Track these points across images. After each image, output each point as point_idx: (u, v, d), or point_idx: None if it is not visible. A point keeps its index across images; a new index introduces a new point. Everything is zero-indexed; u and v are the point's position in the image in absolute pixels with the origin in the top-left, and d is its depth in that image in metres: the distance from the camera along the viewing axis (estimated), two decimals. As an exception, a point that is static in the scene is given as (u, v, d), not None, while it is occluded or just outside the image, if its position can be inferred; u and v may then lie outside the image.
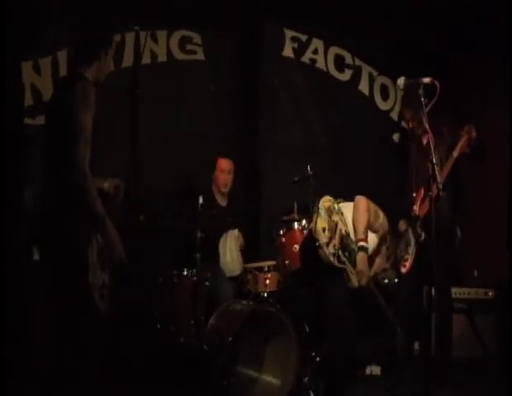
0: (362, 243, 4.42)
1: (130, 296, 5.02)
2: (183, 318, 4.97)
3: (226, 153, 6.01)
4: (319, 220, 4.35)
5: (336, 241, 4.36)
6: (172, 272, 5.07)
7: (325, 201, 4.48)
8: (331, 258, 4.29)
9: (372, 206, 4.59)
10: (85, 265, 3.44)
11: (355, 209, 4.53)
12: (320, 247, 4.29)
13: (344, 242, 4.41)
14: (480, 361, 5.35)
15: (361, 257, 4.40)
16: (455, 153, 4.97)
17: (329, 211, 4.44)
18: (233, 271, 5.62)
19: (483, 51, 6.22)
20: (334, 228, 4.39)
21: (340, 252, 4.35)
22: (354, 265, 4.39)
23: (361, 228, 4.47)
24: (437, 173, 4.04)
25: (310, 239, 4.44)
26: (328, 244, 4.31)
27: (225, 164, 5.86)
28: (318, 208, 4.41)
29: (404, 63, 6.43)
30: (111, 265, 3.61)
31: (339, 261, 4.33)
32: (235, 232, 5.74)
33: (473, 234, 5.39)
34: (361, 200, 4.56)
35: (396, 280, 4.82)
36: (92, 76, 3.69)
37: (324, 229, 4.33)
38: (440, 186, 4.08)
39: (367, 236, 4.50)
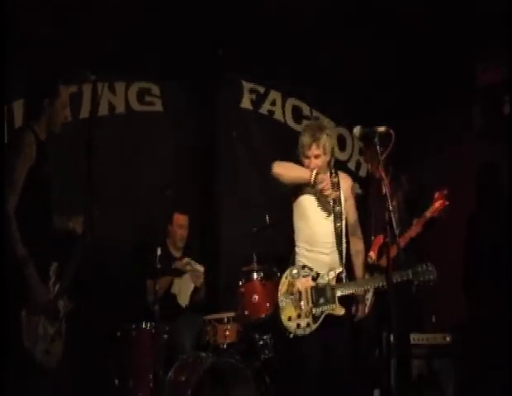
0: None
1: (88, 349, 4.92)
2: (142, 372, 4.87)
3: (184, 205, 6.00)
4: (282, 313, 4.13)
5: (306, 308, 4.13)
6: (130, 326, 4.98)
7: (282, 286, 4.22)
8: (308, 330, 4.09)
9: None
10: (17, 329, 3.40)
11: None
12: (293, 336, 4.11)
13: (314, 298, 4.14)
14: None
15: None
16: (428, 214, 5.03)
17: (290, 287, 4.19)
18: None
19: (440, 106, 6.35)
20: (298, 298, 4.16)
21: (315, 310, 4.10)
22: (335, 301, 4.14)
23: None
24: (393, 221, 3.98)
25: None
26: (299, 325, 4.10)
27: (182, 220, 5.88)
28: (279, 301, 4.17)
29: (360, 113, 6.47)
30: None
31: (316, 320, 4.10)
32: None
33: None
34: None
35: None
36: (43, 127, 3.69)
37: (290, 318, 4.12)
38: (397, 233, 4.06)
39: None
